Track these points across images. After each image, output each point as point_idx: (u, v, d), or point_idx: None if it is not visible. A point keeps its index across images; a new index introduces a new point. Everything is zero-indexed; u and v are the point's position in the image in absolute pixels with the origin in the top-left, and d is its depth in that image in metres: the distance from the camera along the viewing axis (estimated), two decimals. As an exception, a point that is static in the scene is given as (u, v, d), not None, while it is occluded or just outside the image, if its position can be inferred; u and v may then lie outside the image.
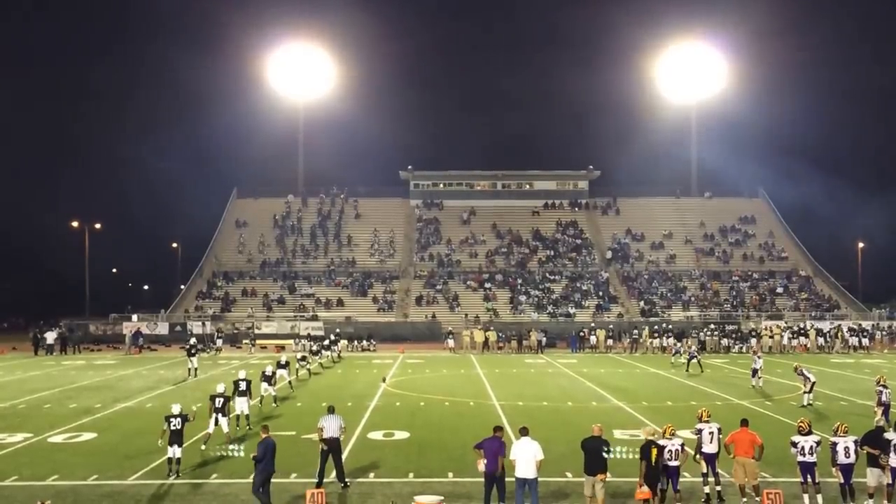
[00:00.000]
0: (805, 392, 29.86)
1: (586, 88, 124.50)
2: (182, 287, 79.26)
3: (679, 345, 50.88)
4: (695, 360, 42.47)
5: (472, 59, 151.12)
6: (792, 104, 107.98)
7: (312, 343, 50.08)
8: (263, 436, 17.01)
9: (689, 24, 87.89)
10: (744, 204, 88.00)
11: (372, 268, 78.94)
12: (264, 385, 29.15)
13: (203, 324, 65.91)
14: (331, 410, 18.85)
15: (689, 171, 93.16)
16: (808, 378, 29.91)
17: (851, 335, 58.10)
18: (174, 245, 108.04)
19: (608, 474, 15.93)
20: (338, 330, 58.12)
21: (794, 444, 16.48)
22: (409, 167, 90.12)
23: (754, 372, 34.76)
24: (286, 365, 34.87)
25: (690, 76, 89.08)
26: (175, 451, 18.92)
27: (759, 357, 35.74)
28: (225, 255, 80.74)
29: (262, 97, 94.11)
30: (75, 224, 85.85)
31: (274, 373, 30.60)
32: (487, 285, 75.47)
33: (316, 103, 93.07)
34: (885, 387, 24.98)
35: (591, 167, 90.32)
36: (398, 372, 42.69)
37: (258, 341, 60.10)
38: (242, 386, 25.34)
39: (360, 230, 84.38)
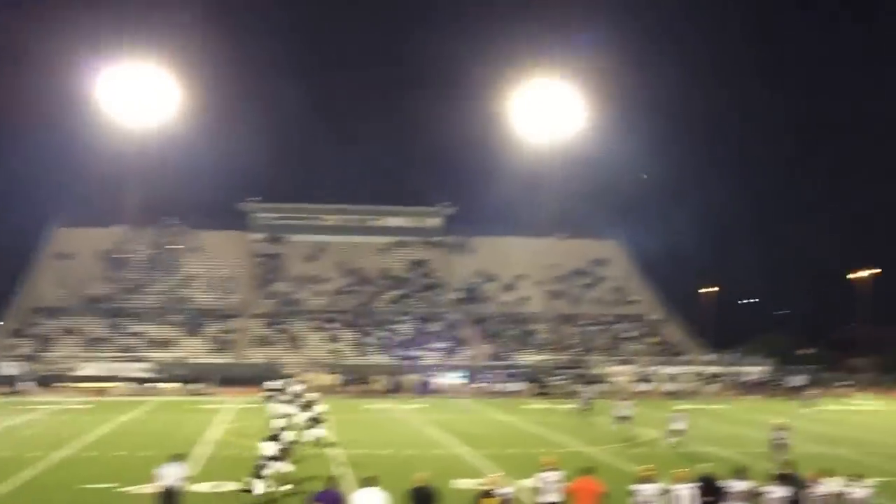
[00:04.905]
0: (669, 437, 31.10)
1: (443, 124, 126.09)
2: (-8, 324, 75.01)
3: (532, 389, 51.80)
4: (548, 405, 43.43)
5: (324, 89, 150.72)
6: (650, 147, 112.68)
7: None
8: None
9: (548, 64, 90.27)
10: (597, 246, 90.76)
11: (208, 305, 77.12)
12: None
13: (15, 365, 62.61)
14: (174, 458, 18.28)
15: (544, 211, 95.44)
16: (677, 425, 31.54)
17: (699, 379, 60.84)
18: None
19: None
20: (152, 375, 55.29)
21: (635, 492, 16.97)
22: (252, 199, 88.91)
23: (620, 418, 35.63)
24: None
25: (549, 116, 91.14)
26: None
27: (627, 403, 36.66)
28: (43, 290, 77.11)
29: (89, 119, 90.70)
30: None
31: None
32: (332, 325, 74.96)
33: (152, 127, 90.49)
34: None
35: (445, 204, 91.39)
36: (236, 417, 41.72)
37: (78, 384, 57.47)
38: None
39: (197, 265, 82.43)
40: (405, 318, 77.54)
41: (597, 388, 58.64)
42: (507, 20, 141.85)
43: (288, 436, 25.34)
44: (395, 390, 58.06)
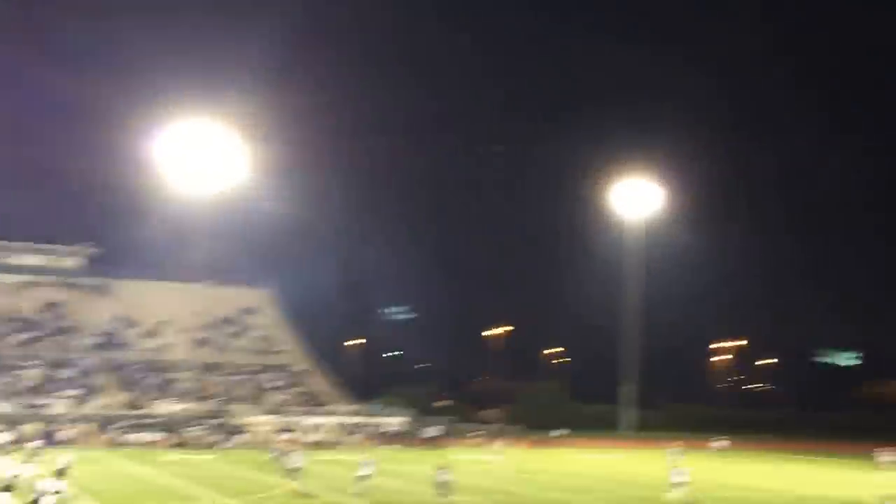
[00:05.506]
0: (358, 482, 33.26)
1: (85, 162, 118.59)
2: None
3: (169, 439, 50.24)
4: (186, 455, 42.34)
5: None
6: (302, 195, 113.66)
7: None
8: None
9: (205, 108, 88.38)
10: (247, 294, 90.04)
11: None
12: None
13: None
14: None
15: (192, 256, 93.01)
16: (365, 471, 33.65)
17: (341, 429, 62.04)
18: None
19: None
20: None
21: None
22: None
23: (291, 470, 35.30)
24: None
25: (203, 160, 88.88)
26: None
27: (297, 454, 36.67)
28: None
29: None
30: None
31: None
32: (-54, 370, 68.09)
33: None
34: None
35: (85, 244, 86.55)
36: None
37: None
38: None
39: None
40: (34, 362, 72.13)
41: (241, 437, 58.11)
42: (163, 58, 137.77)
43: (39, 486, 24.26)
44: (18, 441, 53.60)
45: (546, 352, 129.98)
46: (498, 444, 54.77)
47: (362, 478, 33.74)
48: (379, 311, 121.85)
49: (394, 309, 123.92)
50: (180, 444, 57.18)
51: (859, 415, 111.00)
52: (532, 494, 37.40)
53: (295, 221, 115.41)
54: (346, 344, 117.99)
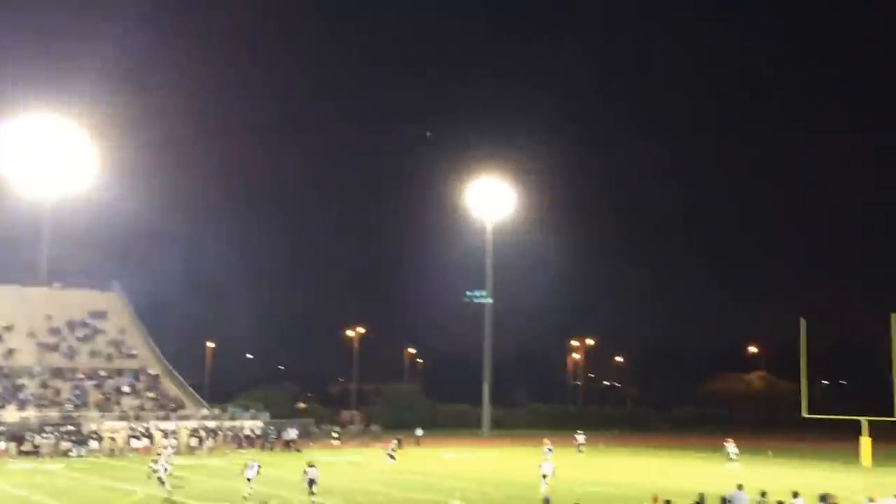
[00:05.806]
0: (248, 483, 33.77)
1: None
2: None
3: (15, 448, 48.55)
4: (35, 465, 41.13)
5: None
6: (152, 195, 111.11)
7: None
8: None
9: (50, 102, 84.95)
10: (96, 297, 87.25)
11: None
12: None
13: None
14: None
15: (38, 258, 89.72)
16: (250, 473, 34.29)
17: (196, 434, 61.09)
18: None
19: None
20: None
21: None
22: None
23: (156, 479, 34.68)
24: None
25: (51, 158, 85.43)
26: None
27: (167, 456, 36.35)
28: None
29: None
30: None
31: None
32: None
33: None
34: None
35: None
36: None
37: None
38: None
39: None
40: None
41: (93, 445, 56.54)
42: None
43: None
44: None
45: (405, 352, 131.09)
46: (393, 444, 54.87)
47: (249, 481, 33.92)
48: (236, 312, 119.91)
49: (253, 310, 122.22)
50: (29, 453, 55.24)
51: (707, 409, 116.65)
52: (395, 495, 37.88)
53: (145, 222, 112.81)
54: (201, 346, 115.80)
